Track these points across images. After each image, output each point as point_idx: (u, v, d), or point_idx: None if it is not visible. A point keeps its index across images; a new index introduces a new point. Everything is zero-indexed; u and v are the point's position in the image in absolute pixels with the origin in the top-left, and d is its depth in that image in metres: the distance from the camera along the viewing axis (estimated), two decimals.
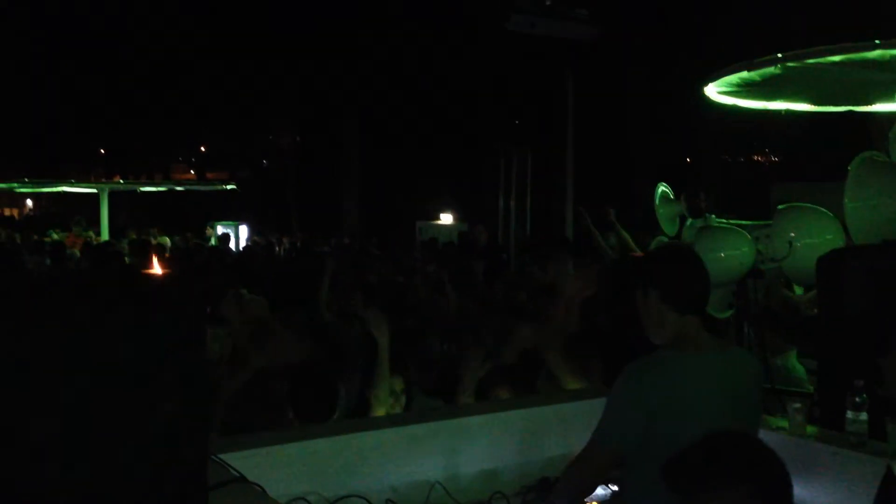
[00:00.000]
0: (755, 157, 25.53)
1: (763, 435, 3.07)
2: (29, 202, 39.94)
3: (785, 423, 3.19)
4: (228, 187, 25.71)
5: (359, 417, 3.80)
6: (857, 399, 2.87)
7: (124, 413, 1.47)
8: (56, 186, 23.41)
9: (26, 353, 1.45)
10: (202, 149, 36.13)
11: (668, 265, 2.77)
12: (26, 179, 23.96)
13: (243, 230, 20.30)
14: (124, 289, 1.66)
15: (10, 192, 32.26)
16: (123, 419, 1.46)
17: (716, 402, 2.54)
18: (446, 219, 20.43)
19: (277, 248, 16.34)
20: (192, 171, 38.62)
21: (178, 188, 26.90)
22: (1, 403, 1.43)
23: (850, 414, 2.90)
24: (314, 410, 3.47)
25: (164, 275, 1.68)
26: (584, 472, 2.65)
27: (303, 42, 19.69)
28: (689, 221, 4.65)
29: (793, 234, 3.84)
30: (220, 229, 18.71)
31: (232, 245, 17.17)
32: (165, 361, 1.50)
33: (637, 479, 2.61)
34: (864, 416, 2.88)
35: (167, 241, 16.15)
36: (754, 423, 2.72)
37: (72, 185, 22.56)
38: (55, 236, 16.61)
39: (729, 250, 3.85)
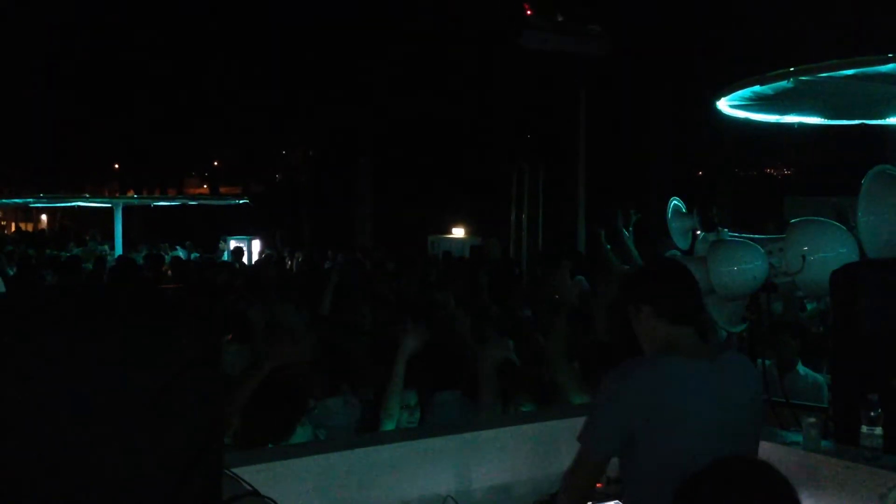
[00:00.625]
0: (767, 171, 25.46)
1: (777, 449, 3.06)
2: (44, 217, 40.27)
3: (799, 438, 3.17)
4: (241, 202, 25.83)
5: (372, 431, 3.81)
6: (872, 413, 2.86)
7: (141, 429, 1.48)
8: (71, 201, 23.58)
9: (40, 364, 1.45)
10: (215, 163, 36.32)
11: (660, 281, 2.82)
12: (41, 195, 24.15)
13: (256, 244, 20.36)
14: (141, 303, 1.67)
15: (25, 206, 32.53)
16: (140, 435, 1.47)
17: (708, 407, 2.53)
18: (458, 232, 20.45)
19: (290, 262, 16.37)
20: (205, 186, 38.85)
21: (192, 202, 27.04)
22: (18, 415, 1.43)
23: (864, 428, 2.88)
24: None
25: (179, 289, 1.69)
26: (579, 481, 2.64)
27: (316, 56, 19.83)
28: (701, 235, 4.64)
29: (806, 248, 3.82)
30: (232, 243, 18.78)
31: (245, 259, 17.23)
32: (182, 377, 1.50)
33: (637, 493, 2.60)
34: (878, 430, 2.86)
35: (180, 254, 16.24)
36: (752, 430, 2.69)
37: (86, 199, 22.72)
38: (75, 251, 16.72)
39: (742, 264, 3.84)
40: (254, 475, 2.51)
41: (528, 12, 7.68)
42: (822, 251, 3.84)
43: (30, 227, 38.86)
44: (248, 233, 21.13)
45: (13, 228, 38.16)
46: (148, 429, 1.54)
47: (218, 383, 1.71)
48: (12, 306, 1.73)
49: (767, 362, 4.22)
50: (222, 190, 34.70)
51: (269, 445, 3.33)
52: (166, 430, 1.55)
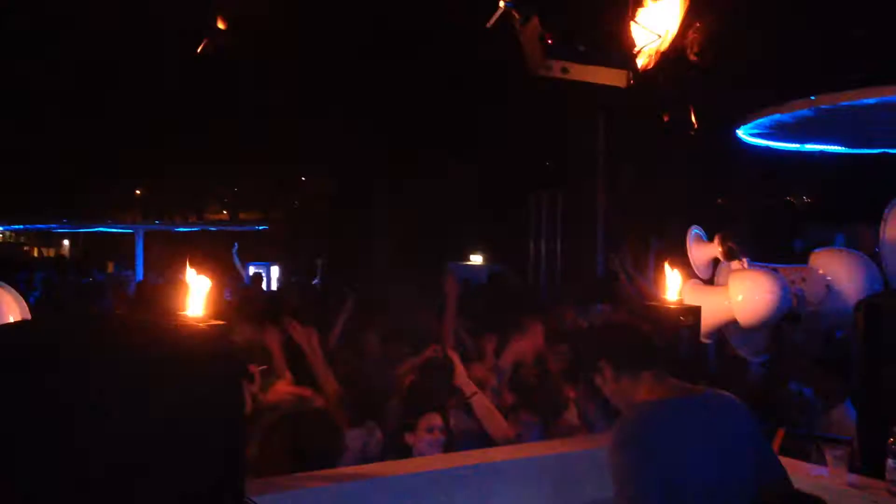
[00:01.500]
0: (788, 199, 25.32)
1: (802, 483, 3.02)
2: (66, 242, 40.65)
3: (824, 472, 3.13)
4: (261, 228, 25.97)
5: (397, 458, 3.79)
6: None
7: (161, 458, 1.48)
8: (93, 227, 23.80)
9: (62, 393, 1.47)
10: (235, 189, 36.58)
11: (612, 340, 2.89)
12: (65, 220, 24.40)
13: (275, 270, 20.45)
14: (162, 332, 1.68)
15: (48, 231, 32.85)
16: (161, 464, 1.48)
17: (704, 446, 2.53)
18: (476, 259, 20.44)
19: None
20: (224, 212, 39.13)
21: (212, 228, 27.22)
22: (41, 442, 1.45)
23: (890, 461, 2.84)
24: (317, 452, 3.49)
25: (203, 319, 1.71)
26: None
27: (334, 83, 19.98)
28: (722, 264, 4.61)
29: (830, 278, 3.81)
30: (252, 269, 18.88)
31: (264, 286, 17.30)
32: (204, 406, 1.51)
33: None
34: None
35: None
36: (753, 465, 2.64)
37: (108, 225, 22.93)
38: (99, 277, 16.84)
39: (764, 293, 3.81)
40: (273, 503, 2.52)
41: (549, 41, 7.69)
42: (846, 281, 3.82)
43: (51, 252, 39.22)
44: (268, 259, 21.23)
45: (35, 253, 38.52)
46: (169, 458, 1.55)
47: (240, 412, 1.72)
48: (37, 334, 1.75)
49: (806, 391, 4.18)
50: (242, 216, 34.92)
51: None
52: (187, 459, 1.56)
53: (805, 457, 3.50)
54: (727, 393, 2.74)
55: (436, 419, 4.03)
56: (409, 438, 3.97)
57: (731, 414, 2.67)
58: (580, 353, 3.14)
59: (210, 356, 1.63)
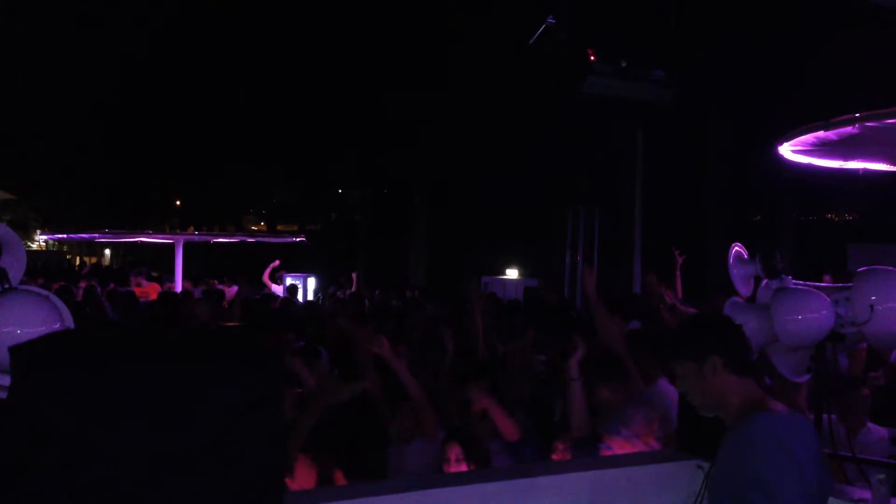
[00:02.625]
0: (829, 217, 24.94)
1: None
2: (107, 251, 41.36)
3: (867, 495, 3.06)
4: (297, 239, 26.18)
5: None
6: None
7: (199, 473, 1.47)
8: (134, 237, 24.20)
9: (100, 404, 1.47)
10: (273, 201, 37.01)
11: (723, 330, 2.74)
12: (106, 230, 24.86)
13: (311, 282, 20.55)
14: (202, 343, 1.68)
15: (91, 241, 33.45)
16: (198, 479, 1.47)
17: (817, 461, 2.51)
18: (512, 274, 20.39)
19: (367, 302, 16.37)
20: (262, 223, 39.59)
21: (250, 239, 27.50)
22: (77, 454, 1.44)
23: None
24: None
25: (243, 328, 1.71)
26: None
27: (372, 97, 20.14)
28: (764, 282, 4.54)
29: (874, 298, 3.72)
30: (288, 280, 18.99)
31: (300, 297, 17.40)
32: (244, 421, 1.50)
33: None
34: None
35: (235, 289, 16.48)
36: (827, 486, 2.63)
37: (149, 235, 23.29)
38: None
39: (807, 313, 3.74)
40: None
41: (592, 58, 7.66)
42: (892, 301, 3.74)
43: (94, 261, 39.95)
44: (304, 270, 21.37)
45: (78, 262, 39.25)
46: (207, 473, 1.54)
47: (279, 425, 1.71)
48: (76, 344, 1.76)
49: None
50: (279, 227, 35.29)
51: None
52: (225, 474, 1.55)
53: (848, 479, 3.43)
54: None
55: (456, 449, 4.02)
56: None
57: (813, 432, 2.66)
58: (676, 339, 2.93)
59: (247, 361, 1.63)
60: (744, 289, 4.64)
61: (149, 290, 14.90)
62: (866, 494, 3.08)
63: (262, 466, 1.51)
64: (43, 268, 25.45)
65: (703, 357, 2.64)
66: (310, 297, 18.36)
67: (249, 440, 1.49)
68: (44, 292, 2.76)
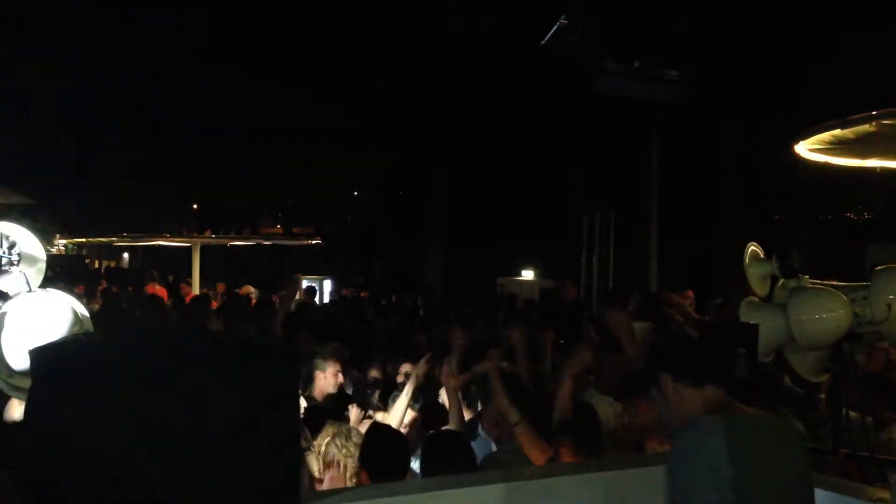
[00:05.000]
0: (847, 215, 24.75)
1: None
2: (125, 255, 41.61)
3: (886, 496, 3.03)
4: (314, 242, 26.26)
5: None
6: None
7: (216, 472, 1.49)
8: (151, 240, 24.38)
9: (121, 404, 1.48)
10: (289, 204, 37.09)
11: (677, 348, 2.88)
12: (124, 234, 25.05)
13: (327, 284, 20.64)
14: (220, 344, 1.70)
15: (109, 245, 33.66)
16: (216, 478, 1.48)
17: (767, 466, 2.44)
18: (528, 275, 20.37)
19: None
20: (278, 226, 39.68)
21: (266, 242, 27.61)
22: (99, 452, 1.46)
23: None
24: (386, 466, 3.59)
25: (259, 331, 1.73)
26: None
27: (387, 99, 20.18)
28: (780, 282, 4.52)
29: (892, 297, 3.70)
30: (304, 283, 19.07)
31: (316, 299, 17.46)
32: (260, 421, 1.52)
33: None
34: None
35: (251, 290, 16.57)
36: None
37: (166, 239, 23.45)
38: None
39: (825, 312, 3.73)
40: None
41: (605, 57, 7.65)
42: None
43: (112, 264, 40.20)
44: (321, 272, 21.45)
45: (96, 265, 39.52)
46: (225, 473, 1.56)
47: (295, 426, 1.72)
48: (97, 347, 1.78)
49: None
50: (296, 231, 35.36)
51: None
52: (242, 475, 1.56)
53: (867, 479, 3.40)
54: (783, 418, 2.68)
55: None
56: None
57: (789, 437, 2.55)
58: (644, 369, 3.09)
59: (264, 362, 1.64)
60: (760, 288, 4.62)
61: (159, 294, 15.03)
62: (885, 495, 3.06)
63: (279, 466, 1.52)
64: (63, 272, 25.67)
65: (656, 379, 2.78)
66: (326, 299, 18.42)
67: (266, 441, 1.51)
68: (64, 295, 2.79)
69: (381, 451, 3.74)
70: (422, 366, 4.85)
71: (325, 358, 5.25)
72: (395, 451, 3.76)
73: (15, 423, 3.54)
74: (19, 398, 2.65)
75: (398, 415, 4.79)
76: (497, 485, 3.14)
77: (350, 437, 4.00)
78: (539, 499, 3.16)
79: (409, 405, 4.90)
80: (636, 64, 8.06)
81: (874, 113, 5.13)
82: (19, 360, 2.55)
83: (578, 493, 3.23)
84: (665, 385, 2.74)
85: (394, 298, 16.33)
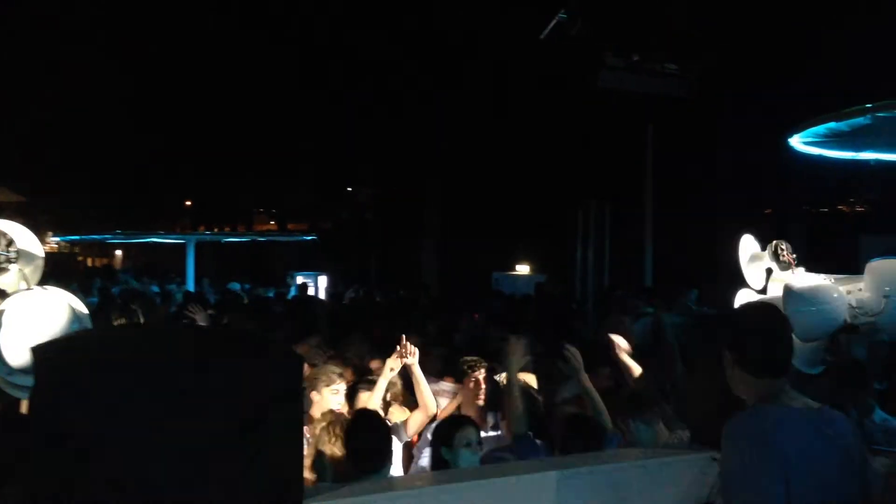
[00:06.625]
0: (840, 208, 24.80)
1: None
2: (118, 252, 41.51)
3: None
4: (309, 238, 26.26)
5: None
6: None
7: (222, 469, 1.49)
8: (146, 238, 24.33)
9: (126, 401, 1.48)
10: (284, 200, 37.05)
11: (746, 330, 2.71)
12: (118, 231, 24.99)
13: (322, 280, 20.62)
14: (224, 340, 1.70)
15: (102, 242, 33.58)
16: (221, 475, 1.48)
17: (826, 462, 2.45)
18: (523, 269, 20.39)
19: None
20: (273, 223, 39.63)
21: (261, 239, 27.58)
22: (105, 449, 1.46)
23: None
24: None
25: (260, 328, 1.73)
26: None
27: (382, 96, 20.16)
28: (775, 274, 4.53)
29: (887, 289, 3.72)
30: (299, 279, 19.06)
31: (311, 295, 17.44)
32: (265, 416, 1.52)
33: None
34: None
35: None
36: (862, 483, 2.58)
37: (160, 236, 23.41)
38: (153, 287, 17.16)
39: (820, 304, 3.75)
40: None
41: (603, 52, 7.67)
42: None
43: (105, 262, 40.10)
44: (315, 269, 21.43)
45: (90, 263, 39.42)
46: (229, 468, 1.56)
47: (300, 419, 1.73)
48: (98, 343, 1.78)
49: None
50: (290, 227, 35.34)
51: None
52: (248, 468, 1.56)
53: None
54: (839, 412, 2.64)
55: (472, 433, 4.03)
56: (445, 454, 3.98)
57: (848, 433, 2.58)
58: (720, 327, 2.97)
59: (268, 358, 1.64)
60: (755, 281, 4.63)
61: None
62: None
63: (284, 460, 1.53)
64: (55, 270, 25.58)
65: (725, 348, 2.67)
66: (321, 295, 18.39)
67: (270, 436, 1.51)
68: (62, 292, 2.79)
69: (364, 439, 3.75)
70: (395, 360, 4.80)
71: (326, 377, 4.77)
72: (378, 439, 3.77)
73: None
74: (19, 396, 2.65)
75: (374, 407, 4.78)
76: (496, 479, 3.15)
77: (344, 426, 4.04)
78: (542, 490, 3.17)
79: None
80: (635, 58, 8.07)
81: (868, 106, 5.14)
82: (18, 358, 2.55)
83: (582, 485, 3.24)
84: (726, 361, 2.64)
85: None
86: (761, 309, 3.37)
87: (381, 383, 4.76)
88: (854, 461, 2.56)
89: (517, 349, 4.54)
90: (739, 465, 2.45)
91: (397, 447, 4.61)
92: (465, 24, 15.42)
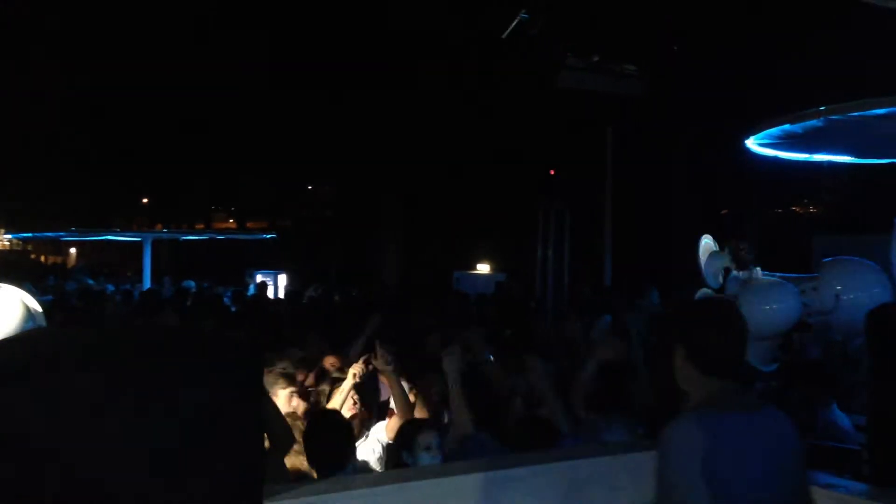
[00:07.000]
0: (794, 209, 25.28)
1: (814, 492, 3.00)
2: (73, 250, 40.78)
3: (835, 480, 3.11)
4: (268, 236, 26.04)
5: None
6: None
7: (179, 472, 1.46)
8: (101, 235, 23.92)
9: (72, 406, 1.45)
10: (242, 198, 36.69)
11: (698, 324, 2.63)
12: (73, 228, 24.54)
13: (282, 279, 20.46)
14: (172, 342, 1.66)
15: (56, 240, 32.96)
16: (179, 479, 1.46)
17: (754, 464, 2.44)
18: (483, 268, 20.45)
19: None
20: (232, 221, 39.22)
21: (219, 237, 27.29)
22: (55, 454, 1.43)
23: None
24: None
25: (218, 327, 1.70)
26: None
27: (342, 93, 20.06)
28: (733, 274, 4.61)
29: (840, 287, 3.81)
30: (258, 277, 18.89)
31: (270, 293, 17.30)
32: (214, 424, 1.49)
33: None
34: None
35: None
36: (799, 486, 2.59)
37: (116, 233, 23.04)
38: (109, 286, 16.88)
39: (775, 303, 3.82)
40: None
41: (563, 52, 7.72)
42: (857, 290, 3.82)
43: (59, 260, 39.37)
44: (275, 267, 21.26)
45: (42, 260, 38.70)
46: (183, 473, 1.51)
47: (256, 424, 1.67)
48: (52, 342, 1.74)
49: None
50: (249, 225, 35.00)
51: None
52: (202, 474, 1.51)
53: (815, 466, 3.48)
54: (781, 412, 2.62)
55: (432, 437, 4.02)
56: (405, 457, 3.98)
57: (788, 434, 2.55)
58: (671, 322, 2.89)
59: (224, 363, 1.62)
60: (714, 280, 4.71)
61: None
62: (833, 480, 3.14)
63: (239, 465, 1.50)
64: (7, 268, 25.04)
65: (674, 343, 2.61)
66: (280, 294, 18.24)
67: (225, 440, 1.48)
68: (16, 290, 2.73)
69: (323, 438, 3.74)
70: (360, 366, 4.76)
71: (276, 379, 4.64)
72: (337, 439, 3.75)
73: None
74: None
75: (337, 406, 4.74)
76: (455, 476, 3.16)
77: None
78: (503, 488, 3.18)
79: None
80: (595, 58, 8.15)
81: (823, 108, 5.24)
82: None
83: (541, 482, 3.25)
84: (677, 356, 2.57)
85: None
86: (717, 303, 3.36)
87: (346, 385, 4.73)
88: (796, 463, 2.56)
89: (453, 360, 4.45)
90: (669, 473, 2.43)
91: (378, 450, 4.62)
92: (426, 22, 15.41)
